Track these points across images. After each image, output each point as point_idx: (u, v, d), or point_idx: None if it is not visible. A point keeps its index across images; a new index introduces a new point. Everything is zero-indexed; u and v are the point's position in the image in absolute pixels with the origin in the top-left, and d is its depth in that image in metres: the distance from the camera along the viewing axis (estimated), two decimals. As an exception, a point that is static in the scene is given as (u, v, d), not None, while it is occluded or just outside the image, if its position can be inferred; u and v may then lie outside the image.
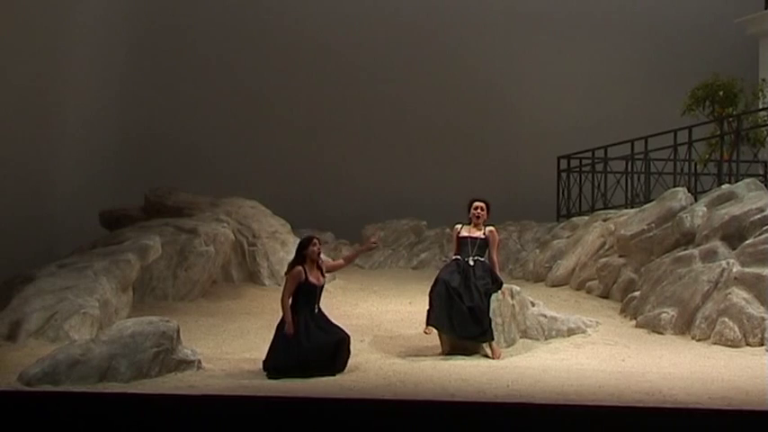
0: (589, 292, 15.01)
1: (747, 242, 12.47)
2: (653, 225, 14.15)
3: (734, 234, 12.78)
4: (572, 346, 11.67)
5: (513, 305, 11.78)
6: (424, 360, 10.86)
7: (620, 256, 14.73)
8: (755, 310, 11.67)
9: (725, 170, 15.79)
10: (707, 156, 16.66)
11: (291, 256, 15.36)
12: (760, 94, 16.96)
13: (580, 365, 10.68)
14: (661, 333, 12.37)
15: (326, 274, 10.55)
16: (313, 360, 9.88)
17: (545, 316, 12.14)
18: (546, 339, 11.91)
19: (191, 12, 20.91)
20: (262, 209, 16.68)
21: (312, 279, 10.20)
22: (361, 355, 10.91)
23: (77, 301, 11.56)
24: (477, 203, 11.44)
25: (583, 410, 8.13)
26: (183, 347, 10.11)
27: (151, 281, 14.12)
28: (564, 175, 19.03)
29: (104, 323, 11.46)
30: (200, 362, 10.13)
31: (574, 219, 17.63)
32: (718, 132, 16.30)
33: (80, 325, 11.31)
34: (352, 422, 7.81)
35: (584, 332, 12.23)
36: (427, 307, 11.16)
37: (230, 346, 11.46)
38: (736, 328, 11.63)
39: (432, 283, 11.29)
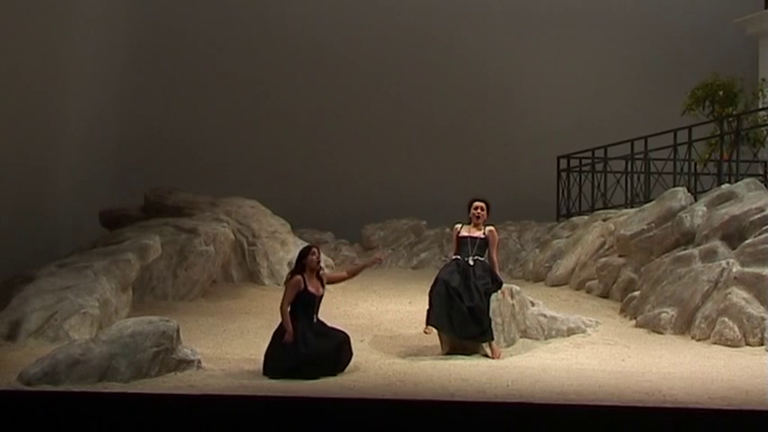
0: (589, 291, 15.01)
1: (747, 242, 12.47)
2: (653, 225, 14.15)
3: (734, 234, 12.78)
4: (572, 346, 11.67)
5: (512, 305, 11.78)
6: (423, 360, 10.86)
7: (620, 256, 14.73)
8: (755, 309, 11.67)
9: (725, 170, 15.80)
10: (707, 155, 16.66)
11: (291, 256, 15.58)
12: (760, 93, 16.98)
13: (580, 365, 10.68)
14: (661, 333, 12.37)
15: (327, 286, 10.47)
16: (315, 365, 9.84)
17: (545, 316, 12.14)
18: (546, 339, 11.91)
19: (190, 12, 20.91)
20: (261, 208, 16.69)
21: (311, 289, 10.17)
22: (361, 354, 10.90)
23: (77, 301, 11.56)
24: (477, 203, 11.44)
25: (583, 410, 8.12)
26: (183, 347, 10.11)
27: (151, 280, 14.12)
28: (564, 174, 19.03)
29: (104, 323, 11.46)
30: (199, 361, 10.13)
31: (574, 218, 17.64)
32: (718, 132, 16.30)
33: (80, 325, 11.31)
34: (352, 422, 7.81)
35: (583, 332, 12.23)
36: (427, 307, 11.16)
37: (230, 346, 11.46)
38: (736, 328, 11.63)
39: (431, 282, 11.29)
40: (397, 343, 11.64)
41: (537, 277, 16.36)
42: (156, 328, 9.86)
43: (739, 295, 11.88)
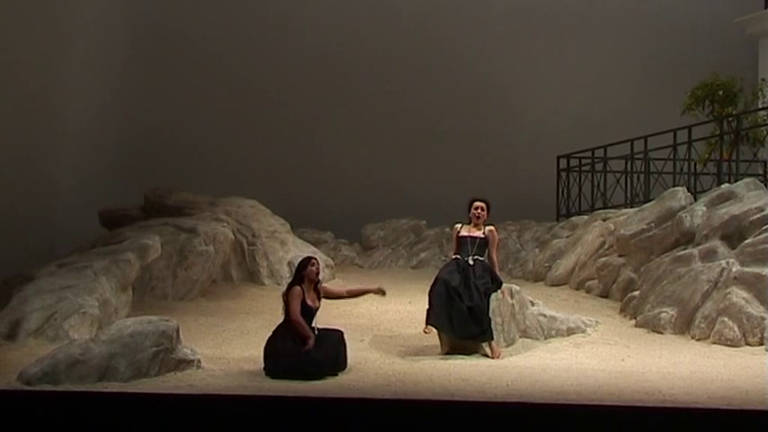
0: (589, 291, 15.01)
1: (747, 242, 12.47)
2: (652, 224, 14.15)
3: (733, 233, 12.78)
4: (571, 346, 11.67)
5: (512, 305, 11.78)
6: (423, 359, 10.86)
7: (620, 256, 14.73)
8: (755, 309, 11.67)
9: (724, 170, 15.80)
10: (706, 155, 16.66)
11: (291, 256, 15.61)
12: (759, 93, 16.97)
13: (580, 365, 10.68)
14: (660, 332, 12.37)
15: (323, 299, 10.33)
16: (317, 366, 9.83)
17: (544, 315, 12.14)
18: (545, 339, 11.91)
19: (190, 12, 20.92)
20: (261, 208, 16.70)
21: (308, 301, 10.11)
22: (360, 354, 10.91)
23: (77, 301, 11.56)
24: (477, 203, 11.45)
25: (582, 410, 8.13)
26: (183, 347, 10.10)
27: (151, 280, 14.12)
28: (563, 174, 19.04)
29: (104, 323, 11.45)
30: (199, 361, 10.12)
31: (573, 218, 17.65)
32: (718, 132, 16.30)
33: (80, 324, 11.31)
34: (352, 422, 7.81)
35: (583, 332, 12.23)
36: (427, 306, 11.16)
37: (230, 346, 11.46)
38: (736, 328, 11.63)
39: (431, 282, 11.30)
40: (397, 343, 11.64)
41: (537, 277, 16.37)
42: (156, 327, 9.85)
43: (739, 295, 11.87)
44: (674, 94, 17.31)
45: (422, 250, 18.33)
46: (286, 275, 14.72)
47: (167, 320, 10.11)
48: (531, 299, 12.26)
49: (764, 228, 12.48)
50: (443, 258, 16.55)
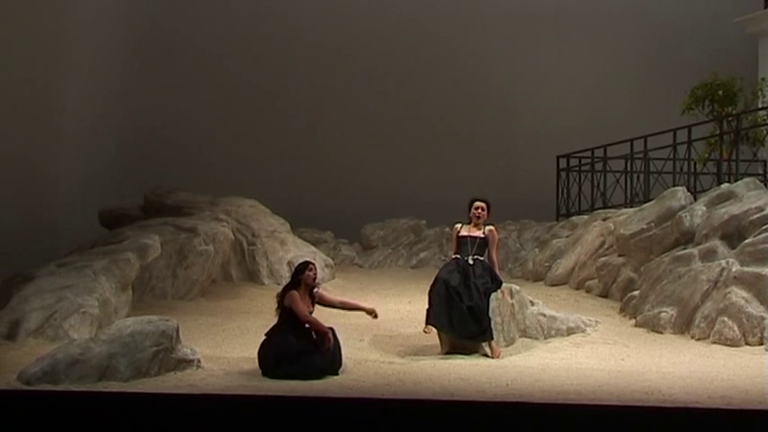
0: (588, 291, 15.01)
1: (747, 241, 12.47)
2: (652, 224, 14.15)
3: (733, 233, 12.78)
4: (571, 346, 11.67)
5: (512, 304, 11.78)
6: (423, 359, 10.86)
7: (620, 256, 14.72)
8: (755, 309, 11.67)
9: (724, 169, 15.80)
10: (706, 155, 16.66)
11: (291, 255, 15.60)
12: (759, 93, 16.97)
13: (579, 365, 10.69)
14: (660, 332, 12.37)
15: (317, 305, 10.30)
16: (318, 369, 9.82)
17: (544, 315, 12.14)
18: (545, 339, 11.91)
19: (191, 11, 20.92)
20: (261, 208, 16.70)
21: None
22: (360, 354, 10.91)
23: (77, 301, 11.56)
24: (477, 203, 11.45)
25: (582, 410, 8.13)
26: (183, 346, 10.10)
27: (150, 280, 14.12)
28: (563, 174, 19.04)
29: (104, 322, 11.45)
30: (199, 361, 10.12)
31: (573, 218, 17.64)
32: (718, 132, 16.30)
33: (79, 324, 11.31)
34: (352, 422, 7.81)
35: (583, 331, 12.23)
36: (426, 306, 11.16)
37: (230, 346, 11.46)
38: (736, 328, 11.63)
39: (431, 282, 11.30)
40: (397, 342, 11.64)
41: (536, 277, 16.37)
42: (156, 327, 9.85)
43: (739, 295, 11.87)
44: (674, 94, 17.30)
45: (422, 250, 18.33)
46: (286, 275, 14.70)
47: (167, 320, 10.11)
48: (530, 298, 12.26)
49: (764, 227, 12.48)
50: (443, 258, 16.56)
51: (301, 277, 10.18)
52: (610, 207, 17.40)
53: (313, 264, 10.40)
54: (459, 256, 11.30)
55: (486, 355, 11.08)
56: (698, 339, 11.92)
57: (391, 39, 21.02)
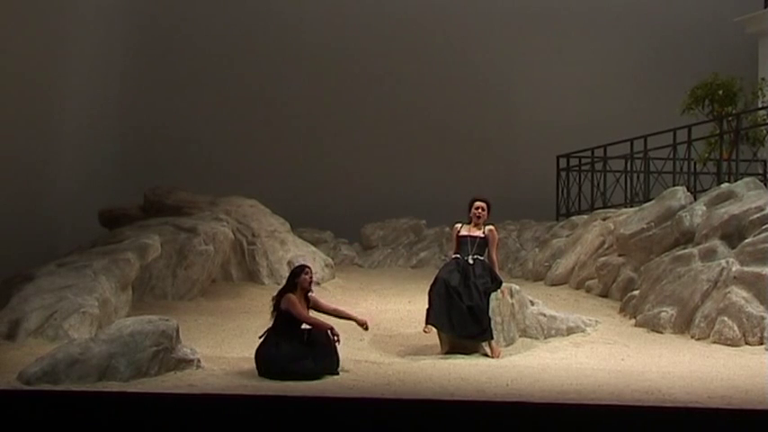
0: (588, 291, 15.01)
1: (747, 241, 12.47)
2: (652, 224, 14.15)
3: (733, 233, 12.79)
4: (571, 345, 11.68)
5: (512, 304, 11.79)
6: (423, 359, 10.86)
7: (620, 255, 14.73)
8: (755, 309, 11.67)
9: (724, 169, 15.79)
10: (706, 155, 16.65)
11: (291, 255, 15.60)
12: (759, 93, 16.95)
13: (579, 364, 10.69)
14: (660, 332, 12.37)
15: (311, 309, 10.27)
16: (316, 370, 9.82)
17: (544, 315, 12.15)
18: (545, 338, 11.92)
19: (191, 11, 20.91)
20: (261, 208, 16.69)
21: None
22: (360, 354, 10.91)
23: (77, 300, 11.56)
24: (478, 203, 11.45)
25: (582, 409, 8.13)
26: (183, 346, 10.11)
27: (150, 280, 14.12)
28: (563, 173, 19.05)
29: (104, 322, 11.45)
30: (199, 361, 10.12)
31: (573, 218, 17.65)
32: (718, 131, 16.30)
33: (79, 324, 11.31)
34: (352, 421, 7.81)
35: (583, 331, 12.24)
36: (426, 306, 11.16)
37: (229, 345, 11.46)
38: (736, 327, 11.63)
39: (431, 281, 11.30)
40: (397, 342, 11.64)
41: (536, 276, 16.37)
42: (156, 327, 9.85)
43: (739, 294, 11.88)
44: (674, 94, 17.29)
45: (421, 250, 18.33)
46: (286, 275, 14.61)
47: (167, 320, 10.11)
48: (530, 298, 12.27)
49: (764, 227, 12.48)
50: (443, 258, 16.56)
51: (297, 281, 10.17)
52: (610, 207, 17.40)
53: (309, 268, 10.39)
54: (459, 255, 11.30)
55: (486, 355, 11.09)
56: (698, 339, 11.93)
57: (391, 39, 21.01)
